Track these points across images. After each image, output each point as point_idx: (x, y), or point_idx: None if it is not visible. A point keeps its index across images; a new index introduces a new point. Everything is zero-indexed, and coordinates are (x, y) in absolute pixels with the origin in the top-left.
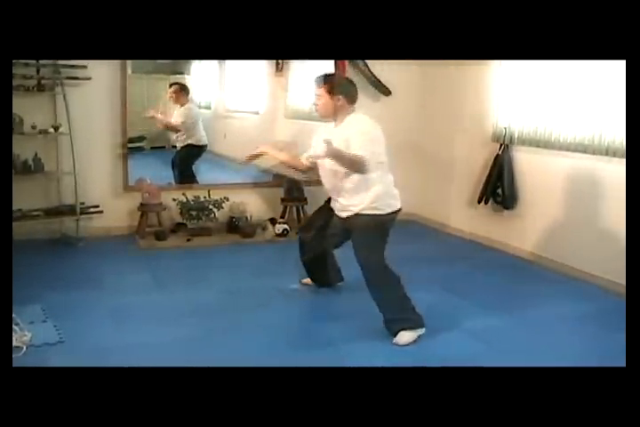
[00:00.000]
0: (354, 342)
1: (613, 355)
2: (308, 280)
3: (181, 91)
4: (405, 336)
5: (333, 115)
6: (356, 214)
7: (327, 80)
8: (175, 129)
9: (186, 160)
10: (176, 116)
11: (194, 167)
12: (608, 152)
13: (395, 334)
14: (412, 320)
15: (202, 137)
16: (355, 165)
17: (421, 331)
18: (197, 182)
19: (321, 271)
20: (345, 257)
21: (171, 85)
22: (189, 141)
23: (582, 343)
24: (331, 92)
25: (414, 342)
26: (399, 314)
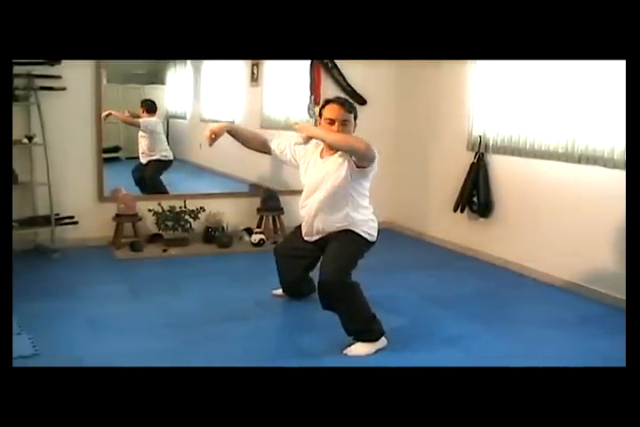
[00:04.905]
0: (334, 353)
1: (595, 361)
2: (279, 291)
3: (150, 108)
4: (364, 348)
5: None
6: (346, 230)
7: (352, 105)
8: (133, 123)
9: (155, 176)
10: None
11: (162, 179)
12: (581, 160)
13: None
14: (374, 331)
15: (167, 151)
16: (359, 144)
17: (382, 344)
18: (168, 192)
19: (297, 286)
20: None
21: (142, 103)
22: (156, 156)
23: (563, 350)
24: (356, 117)
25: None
26: (362, 326)
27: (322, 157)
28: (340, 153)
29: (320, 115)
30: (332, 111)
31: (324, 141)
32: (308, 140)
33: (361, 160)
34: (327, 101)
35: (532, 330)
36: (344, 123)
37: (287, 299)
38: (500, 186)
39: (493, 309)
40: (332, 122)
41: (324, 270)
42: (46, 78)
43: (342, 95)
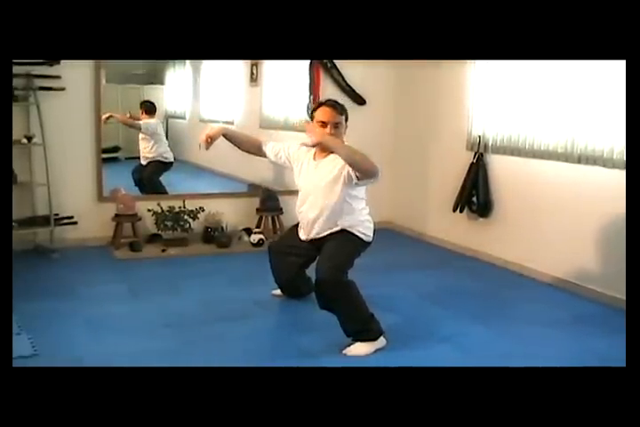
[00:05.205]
0: (333, 353)
1: (593, 360)
2: (278, 291)
3: (149, 109)
4: (363, 348)
5: None
6: (342, 230)
7: (343, 107)
8: (134, 125)
9: (154, 176)
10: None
11: (162, 179)
12: (580, 160)
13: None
14: (372, 331)
15: (167, 152)
16: (366, 163)
17: (381, 344)
18: (167, 193)
19: (293, 285)
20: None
21: (141, 105)
22: (156, 158)
23: (562, 349)
24: (347, 118)
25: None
26: (360, 326)
27: (314, 158)
28: (334, 156)
29: (311, 117)
30: (324, 114)
31: (337, 154)
32: (315, 146)
33: (363, 177)
34: (319, 104)
35: (531, 330)
36: (336, 125)
37: (286, 299)
38: (500, 186)
39: (493, 308)
40: (324, 124)
41: (320, 269)
42: (45, 78)
43: (342, 95)
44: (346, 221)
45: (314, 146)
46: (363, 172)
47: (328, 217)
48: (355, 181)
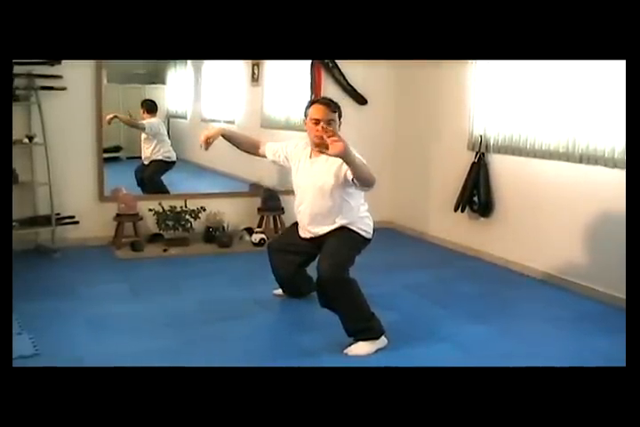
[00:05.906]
0: (334, 352)
1: (595, 359)
2: (279, 291)
3: (151, 109)
4: (364, 348)
5: None
6: (341, 227)
7: (336, 104)
8: (137, 126)
9: (154, 176)
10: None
11: (163, 178)
12: (582, 159)
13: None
14: (374, 329)
15: (170, 152)
16: (369, 175)
17: (382, 344)
18: (168, 192)
19: (293, 283)
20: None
21: (142, 104)
22: (158, 157)
23: (563, 349)
24: (340, 115)
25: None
26: (362, 324)
27: (310, 156)
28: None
29: (305, 115)
30: (317, 111)
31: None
32: (336, 156)
33: (360, 186)
34: (312, 102)
35: (533, 329)
36: (329, 122)
37: (287, 298)
38: (501, 185)
39: (494, 308)
40: (317, 122)
41: (321, 267)
42: (47, 78)
43: (343, 95)
44: (345, 218)
45: (335, 155)
46: (362, 181)
47: (327, 215)
48: (350, 184)
